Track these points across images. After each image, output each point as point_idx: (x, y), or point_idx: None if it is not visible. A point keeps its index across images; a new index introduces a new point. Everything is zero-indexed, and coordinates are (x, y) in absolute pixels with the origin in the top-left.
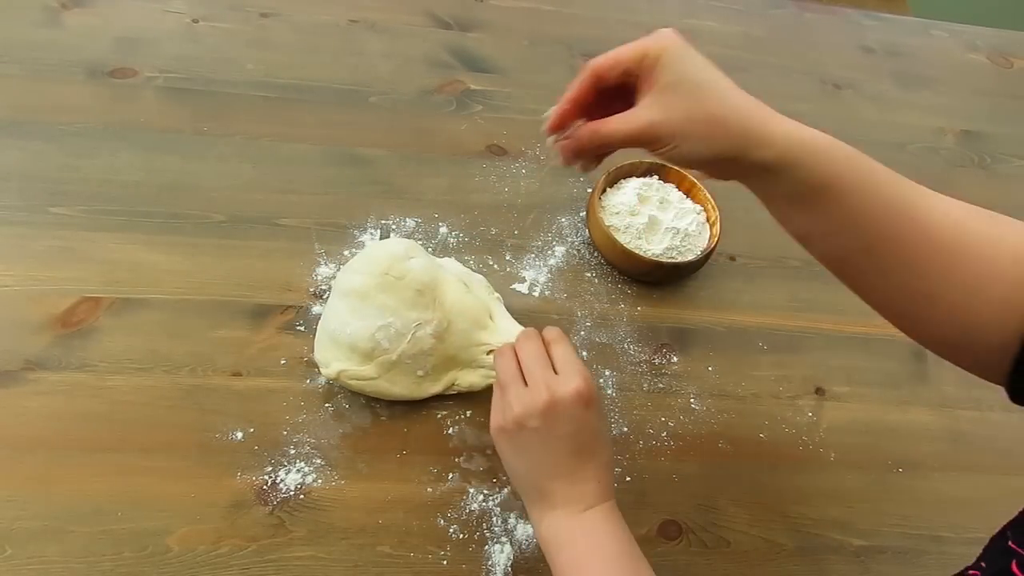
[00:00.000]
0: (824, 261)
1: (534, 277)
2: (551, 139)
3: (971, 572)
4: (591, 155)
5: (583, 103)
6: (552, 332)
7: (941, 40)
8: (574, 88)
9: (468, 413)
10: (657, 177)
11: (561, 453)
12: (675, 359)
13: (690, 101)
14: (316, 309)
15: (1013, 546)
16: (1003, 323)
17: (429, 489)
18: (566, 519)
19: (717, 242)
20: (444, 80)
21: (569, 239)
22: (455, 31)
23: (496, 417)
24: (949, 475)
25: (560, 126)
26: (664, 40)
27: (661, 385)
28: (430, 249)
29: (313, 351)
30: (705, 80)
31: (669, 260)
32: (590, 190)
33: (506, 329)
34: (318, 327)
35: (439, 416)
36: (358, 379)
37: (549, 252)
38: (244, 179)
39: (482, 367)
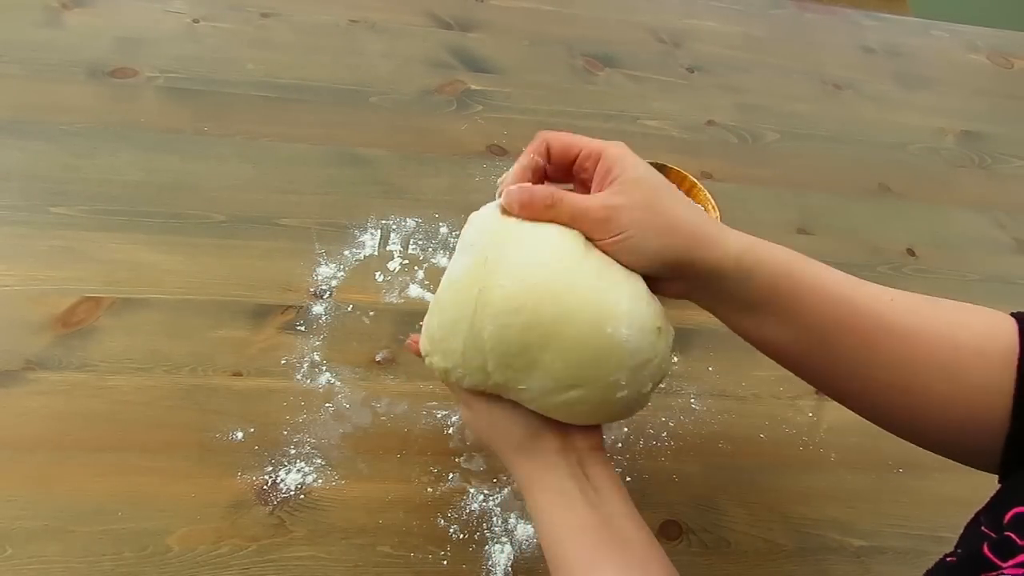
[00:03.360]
0: (788, 364)
1: None
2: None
3: (948, 559)
4: (535, 215)
5: (536, 171)
6: None
7: (941, 40)
8: (526, 155)
9: None
10: None
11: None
12: (675, 359)
13: (650, 198)
14: (316, 309)
15: (985, 530)
16: (983, 404)
17: (429, 489)
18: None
19: None
20: (444, 80)
21: None
22: (455, 31)
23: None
24: (949, 475)
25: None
26: (622, 147)
27: (662, 385)
28: (430, 249)
29: (316, 353)
30: (664, 187)
31: None
32: None
33: None
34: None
35: (439, 416)
36: None
37: None
38: (244, 179)
39: None
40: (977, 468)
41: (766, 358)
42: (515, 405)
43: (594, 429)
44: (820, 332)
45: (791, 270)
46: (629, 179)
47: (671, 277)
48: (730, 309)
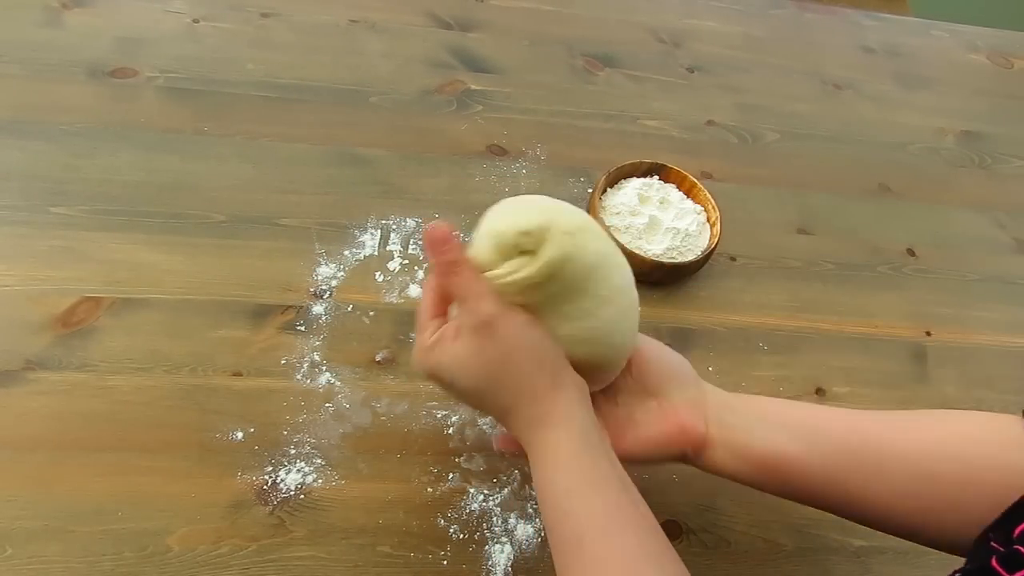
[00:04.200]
0: (813, 484)
1: None
2: None
3: (956, 574)
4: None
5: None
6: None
7: (941, 40)
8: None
9: (469, 413)
10: (658, 177)
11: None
12: None
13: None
14: (316, 309)
15: (994, 545)
16: (997, 483)
17: (429, 489)
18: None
19: (717, 242)
20: (444, 80)
21: None
22: (455, 31)
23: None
24: None
25: None
26: None
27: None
28: None
29: (316, 353)
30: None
31: (669, 260)
32: (590, 190)
33: None
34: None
35: (439, 416)
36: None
37: None
38: (244, 179)
39: None
40: None
41: (766, 358)
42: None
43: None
44: (826, 434)
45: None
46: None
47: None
48: (738, 425)
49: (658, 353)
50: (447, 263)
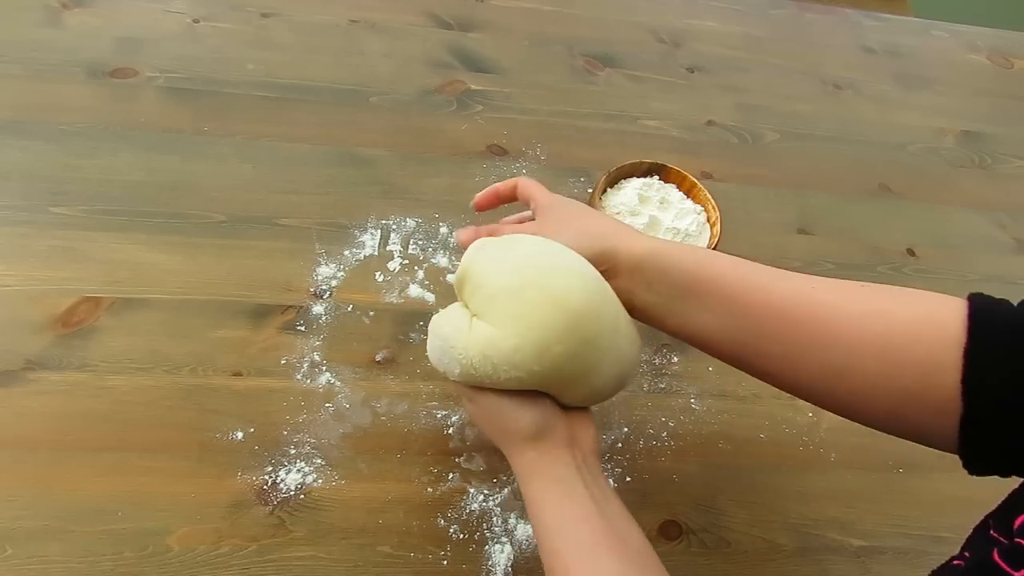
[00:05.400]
0: (722, 356)
1: None
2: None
3: (955, 562)
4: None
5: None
6: None
7: (941, 40)
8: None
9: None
10: (658, 177)
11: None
12: (675, 359)
13: (564, 213)
14: (316, 309)
15: (995, 535)
16: (925, 383)
17: (429, 489)
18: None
19: (718, 242)
20: (444, 80)
21: None
22: (455, 31)
23: None
24: (949, 475)
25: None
26: (535, 185)
27: (662, 385)
28: (429, 249)
29: (316, 353)
30: (574, 204)
31: None
32: (590, 190)
33: None
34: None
35: (439, 416)
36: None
37: None
38: (244, 179)
39: None
40: (937, 448)
41: None
42: (523, 397)
43: (595, 432)
44: (745, 318)
45: (711, 259)
46: (544, 205)
47: (599, 269)
48: (656, 301)
49: (554, 228)
50: None
